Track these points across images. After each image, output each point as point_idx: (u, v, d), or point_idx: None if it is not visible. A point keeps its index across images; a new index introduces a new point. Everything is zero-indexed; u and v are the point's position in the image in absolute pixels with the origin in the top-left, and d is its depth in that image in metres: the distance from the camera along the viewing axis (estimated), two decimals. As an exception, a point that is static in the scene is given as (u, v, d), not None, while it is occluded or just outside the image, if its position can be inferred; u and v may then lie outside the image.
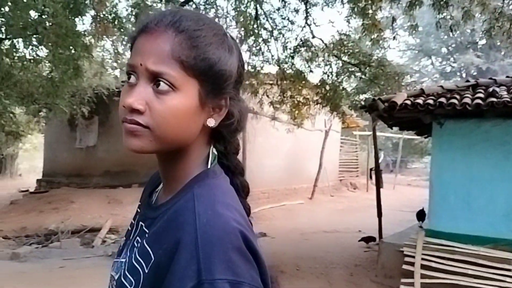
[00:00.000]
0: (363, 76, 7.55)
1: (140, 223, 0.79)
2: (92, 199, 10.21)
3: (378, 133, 7.69)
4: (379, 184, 6.90)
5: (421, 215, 6.25)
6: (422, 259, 4.95)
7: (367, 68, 7.37)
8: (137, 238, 0.77)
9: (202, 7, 7.62)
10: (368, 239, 7.37)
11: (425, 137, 8.55)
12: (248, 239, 0.66)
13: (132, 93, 0.70)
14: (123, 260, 0.76)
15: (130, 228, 0.84)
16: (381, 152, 17.60)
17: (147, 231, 0.74)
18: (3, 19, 6.15)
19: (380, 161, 8.95)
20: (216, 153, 0.80)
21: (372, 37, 6.68)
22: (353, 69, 7.56)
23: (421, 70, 29.18)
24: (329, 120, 11.45)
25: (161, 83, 0.69)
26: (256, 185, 10.93)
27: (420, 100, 5.29)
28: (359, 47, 7.52)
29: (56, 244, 7.40)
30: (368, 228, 8.49)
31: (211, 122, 0.75)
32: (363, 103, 6.92)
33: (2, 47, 6.48)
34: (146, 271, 0.68)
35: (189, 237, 0.64)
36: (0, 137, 11.97)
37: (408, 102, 5.26)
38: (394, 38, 7.24)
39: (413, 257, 5.00)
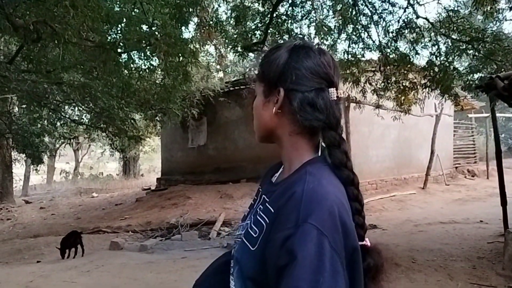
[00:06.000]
0: (476, 54, 6.90)
1: (263, 196, 1.01)
2: (205, 195, 10.86)
3: (497, 114, 6.99)
4: (501, 170, 6.29)
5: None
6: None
7: (481, 44, 6.72)
8: (260, 206, 0.97)
9: (298, 1, 7.64)
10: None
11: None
12: (340, 211, 0.83)
13: None
14: (248, 221, 0.97)
15: (252, 202, 1.08)
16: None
17: (268, 199, 0.96)
18: (120, 35, 6.81)
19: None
20: (324, 145, 0.98)
21: (485, 10, 6.08)
22: (464, 46, 6.95)
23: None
24: (440, 103, 10.71)
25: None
26: (362, 176, 10.67)
27: (547, 74, 4.70)
28: (470, 22, 6.89)
29: (177, 237, 8.02)
30: (490, 218, 7.80)
31: (274, 110, 0.97)
32: (478, 82, 6.35)
33: (121, 60, 7.15)
34: (268, 222, 0.88)
35: (297, 195, 0.84)
36: (123, 141, 13.18)
37: (533, 77, 4.71)
38: (511, 8, 6.50)
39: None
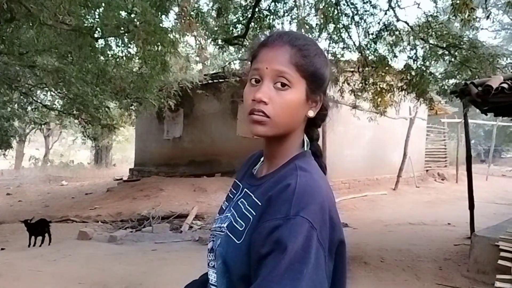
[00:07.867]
0: (452, 60, 7.06)
1: (245, 189, 0.99)
2: (179, 187, 10.75)
3: (468, 120, 7.16)
4: (471, 175, 6.46)
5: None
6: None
7: (457, 50, 6.87)
8: (241, 199, 0.96)
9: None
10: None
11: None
12: (330, 205, 0.86)
13: (259, 90, 0.90)
14: (228, 214, 0.96)
15: (230, 195, 1.06)
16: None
17: (252, 193, 0.94)
18: (98, 20, 6.63)
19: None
20: (308, 140, 1.00)
21: (463, 17, 6.20)
22: (441, 52, 7.09)
23: (519, 50, 26.56)
24: (415, 107, 10.91)
25: (281, 81, 0.89)
26: (336, 175, 10.77)
27: (519, 83, 4.82)
28: (448, 28, 7.03)
29: (148, 229, 7.91)
30: (458, 221, 8.00)
31: (311, 113, 0.95)
32: (453, 88, 6.49)
33: (97, 46, 6.96)
34: (255, 214, 0.88)
35: (291, 188, 0.83)
36: (96, 130, 12.88)
37: (505, 85, 4.83)
38: (487, 17, 6.64)
39: (511, 252, 4.63)
